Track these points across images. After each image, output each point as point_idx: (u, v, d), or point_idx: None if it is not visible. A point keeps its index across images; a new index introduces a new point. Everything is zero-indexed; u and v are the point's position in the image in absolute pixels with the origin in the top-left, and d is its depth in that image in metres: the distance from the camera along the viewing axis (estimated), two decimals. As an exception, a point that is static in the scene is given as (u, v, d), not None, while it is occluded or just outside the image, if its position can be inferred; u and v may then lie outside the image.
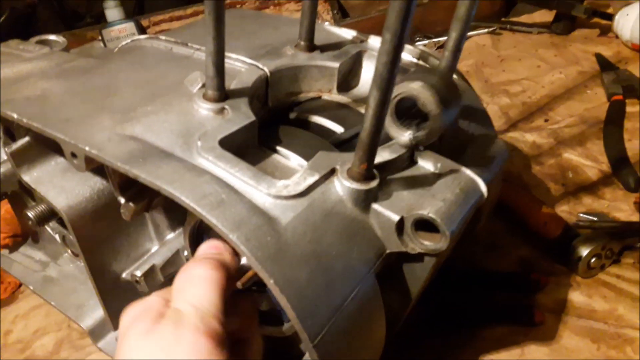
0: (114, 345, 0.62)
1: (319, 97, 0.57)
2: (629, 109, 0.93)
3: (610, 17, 1.16)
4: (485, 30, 1.25)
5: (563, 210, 0.74)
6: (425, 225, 0.41)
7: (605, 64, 1.06)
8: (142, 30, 1.26)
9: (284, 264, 0.35)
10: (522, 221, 0.70)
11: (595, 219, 0.70)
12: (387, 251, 0.42)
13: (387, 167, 0.44)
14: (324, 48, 0.58)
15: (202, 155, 0.41)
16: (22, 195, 0.69)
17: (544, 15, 1.29)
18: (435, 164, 0.45)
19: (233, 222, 0.35)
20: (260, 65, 0.53)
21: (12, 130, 0.62)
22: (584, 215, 0.71)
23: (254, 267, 0.35)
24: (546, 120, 0.94)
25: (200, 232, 0.50)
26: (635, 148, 0.83)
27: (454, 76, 0.56)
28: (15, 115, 0.45)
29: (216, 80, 0.45)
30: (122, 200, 0.47)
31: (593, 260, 0.63)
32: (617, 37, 1.15)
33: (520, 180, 0.80)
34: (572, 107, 0.96)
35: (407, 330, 0.52)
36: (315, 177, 0.41)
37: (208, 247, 0.41)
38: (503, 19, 1.35)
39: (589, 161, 0.82)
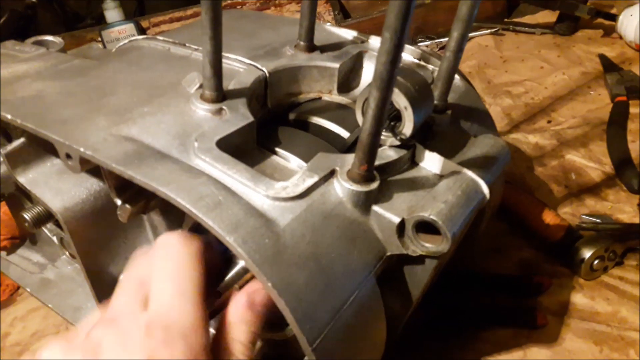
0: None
1: (319, 98, 0.57)
2: (632, 110, 0.92)
3: (614, 17, 1.15)
4: (488, 31, 1.24)
5: (566, 212, 0.73)
6: (426, 228, 0.40)
7: (608, 65, 1.05)
8: (142, 31, 1.26)
9: (282, 266, 0.35)
10: (524, 223, 0.70)
11: (598, 220, 0.69)
12: (388, 253, 0.41)
13: (388, 169, 0.43)
14: (324, 48, 0.57)
15: (199, 156, 0.40)
16: (19, 196, 0.69)
17: (547, 16, 1.28)
18: (436, 166, 0.45)
19: (230, 224, 0.35)
20: (259, 66, 0.52)
21: (8, 132, 0.61)
22: (587, 217, 0.70)
23: (252, 269, 0.34)
24: (549, 122, 0.93)
25: (199, 232, 0.49)
26: (639, 149, 0.82)
27: (456, 76, 0.56)
28: (9, 116, 0.45)
29: (213, 81, 0.45)
30: (119, 202, 0.46)
31: (596, 262, 0.62)
32: (620, 37, 1.14)
33: (523, 181, 0.80)
34: (575, 108, 0.96)
35: (409, 333, 0.52)
36: (314, 179, 0.40)
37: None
38: (506, 19, 1.35)
39: (592, 163, 0.81)
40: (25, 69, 0.54)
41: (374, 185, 0.40)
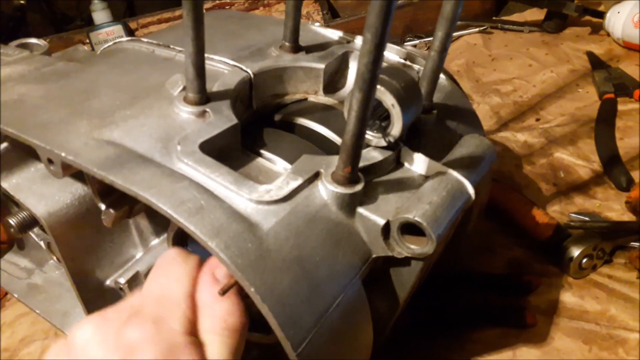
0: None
1: (305, 99, 0.56)
2: (620, 107, 0.93)
3: (601, 15, 1.16)
4: (476, 29, 1.24)
5: (554, 210, 0.73)
6: (411, 229, 0.40)
7: (596, 62, 1.05)
8: (130, 32, 1.25)
9: (265, 271, 0.34)
10: (513, 222, 0.70)
11: (586, 218, 0.69)
12: (374, 256, 0.41)
13: (373, 170, 0.43)
14: (309, 49, 0.57)
15: (182, 160, 0.40)
16: (5, 202, 0.68)
17: (535, 14, 1.28)
18: (421, 166, 0.44)
19: (212, 229, 0.34)
20: (244, 67, 0.52)
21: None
22: (576, 215, 0.70)
23: (234, 274, 0.34)
24: (537, 120, 0.93)
25: (184, 237, 0.49)
26: (627, 147, 0.83)
27: (442, 76, 0.56)
28: (-10, 121, 0.44)
29: (196, 83, 0.44)
30: (103, 207, 0.46)
31: (584, 260, 0.62)
32: (608, 35, 1.15)
33: (512, 180, 0.80)
34: (564, 106, 0.96)
35: (397, 334, 0.51)
36: (298, 181, 0.40)
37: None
38: (494, 17, 1.35)
39: (581, 160, 0.82)
40: (8, 72, 0.53)
41: (359, 187, 0.40)
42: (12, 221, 0.56)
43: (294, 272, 0.36)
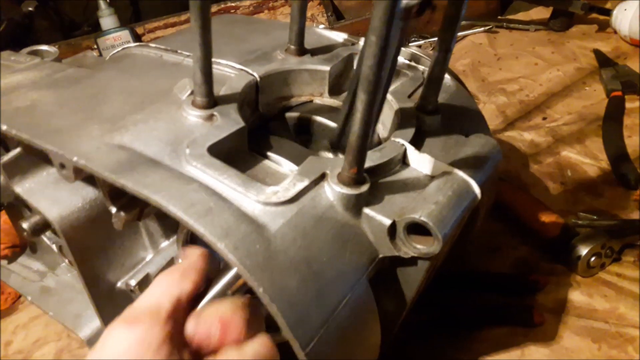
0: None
1: (311, 101, 0.57)
2: (628, 105, 0.92)
3: (608, 12, 1.15)
4: (482, 28, 1.24)
5: (562, 209, 0.73)
6: (418, 229, 0.40)
7: (603, 60, 1.05)
8: (137, 37, 1.26)
9: (273, 271, 0.35)
10: (520, 221, 0.70)
11: (594, 217, 0.69)
12: (380, 256, 0.41)
13: (378, 171, 0.44)
14: (314, 52, 0.57)
15: (191, 163, 0.41)
16: (18, 206, 0.69)
17: (541, 12, 1.28)
18: (427, 167, 0.45)
19: (221, 230, 0.35)
20: (250, 71, 0.53)
21: (6, 142, 0.62)
22: (583, 214, 0.70)
23: (243, 275, 0.34)
24: (544, 119, 0.93)
25: (193, 239, 0.50)
26: (635, 145, 0.82)
27: (447, 76, 0.56)
28: (4, 127, 0.45)
29: (204, 87, 0.45)
30: (114, 210, 0.46)
31: (593, 259, 0.62)
32: (615, 32, 1.14)
33: (519, 179, 0.80)
34: (571, 104, 0.96)
35: (405, 334, 0.52)
36: (304, 183, 0.40)
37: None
38: (499, 17, 1.35)
39: (588, 159, 0.82)
40: (20, 79, 0.54)
41: (364, 187, 0.40)
42: (25, 225, 0.57)
43: (302, 272, 0.36)
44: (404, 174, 0.45)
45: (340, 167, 0.41)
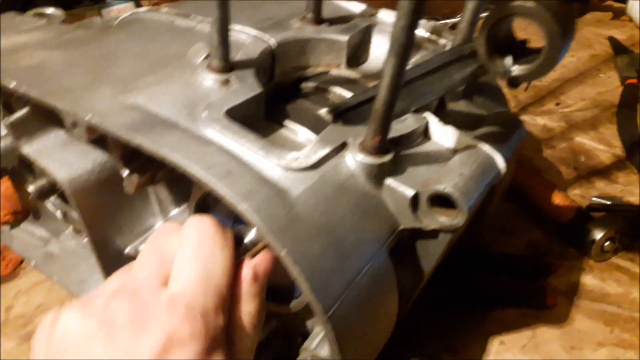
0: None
1: (327, 72, 0.55)
2: (642, 92, 0.91)
3: (623, 0, 1.14)
4: (496, 12, 1.22)
5: (575, 193, 0.72)
6: (440, 201, 0.39)
7: (618, 47, 1.04)
8: (143, 9, 1.23)
9: (296, 235, 0.34)
10: (533, 204, 0.69)
11: (608, 202, 0.68)
12: (400, 227, 0.40)
13: (401, 142, 0.42)
14: (332, 21, 0.56)
15: (208, 126, 0.39)
16: (21, 171, 0.68)
17: (555, -2, 1.26)
18: (450, 140, 0.44)
19: (242, 192, 0.34)
20: (266, 37, 0.51)
21: (10, 104, 0.60)
22: (597, 199, 0.69)
23: (266, 238, 0.33)
24: (557, 104, 0.92)
25: (205, 207, 0.49)
26: (650, 132, 0.81)
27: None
28: (13, 84, 0.44)
29: (221, 50, 0.43)
30: (125, 173, 0.45)
31: (607, 243, 0.61)
32: (630, 20, 1.12)
33: (531, 163, 0.79)
34: (585, 90, 0.94)
35: (417, 312, 0.51)
36: (326, 150, 0.39)
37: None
38: (513, 1, 1.32)
39: (602, 145, 0.81)
40: (27, 39, 0.52)
41: (388, 157, 0.39)
42: (31, 188, 0.56)
43: (323, 238, 0.35)
44: (427, 147, 0.44)
45: (362, 136, 0.40)
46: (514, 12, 0.33)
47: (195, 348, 0.29)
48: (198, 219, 0.35)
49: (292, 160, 0.38)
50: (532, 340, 0.55)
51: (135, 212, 0.53)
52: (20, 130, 0.50)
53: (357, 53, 0.56)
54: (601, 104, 0.90)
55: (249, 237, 0.40)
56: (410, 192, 0.39)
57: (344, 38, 0.54)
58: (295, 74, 0.55)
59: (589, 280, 0.61)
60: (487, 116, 0.48)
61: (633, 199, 0.71)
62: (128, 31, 0.56)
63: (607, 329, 0.55)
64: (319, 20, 0.55)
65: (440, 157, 0.43)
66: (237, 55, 0.47)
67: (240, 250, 0.39)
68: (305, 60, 0.55)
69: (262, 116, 0.46)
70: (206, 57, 0.46)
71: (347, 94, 0.51)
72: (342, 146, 0.40)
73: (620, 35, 1.09)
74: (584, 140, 0.82)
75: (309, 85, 0.53)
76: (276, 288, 0.46)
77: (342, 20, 0.57)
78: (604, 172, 0.76)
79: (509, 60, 0.35)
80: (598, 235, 0.61)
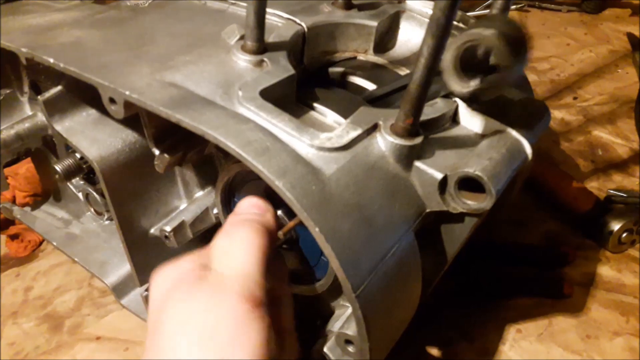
0: (137, 302, 0.62)
1: (355, 57, 0.56)
2: (661, 88, 0.91)
3: (643, -4, 1.13)
4: (514, 7, 1.22)
5: (592, 186, 0.73)
6: (467, 186, 0.40)
7: (637, 44, 1.03)
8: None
9: (328, 213, 0.35)
10: (551, 195, 0.69)
11: (625, 195, 0.68)
12: (427, 210, 0.41)
13: (430, 126, 0.43)
14: (361, 7, 0.56)
15: (244, 104, 0.40)
16: (45, 152, 0.69)
17: (574, -7, 1.26)
18: (478, 125, 0.44)
19: (278, 169, 0.35)
20: (298, 21, 0.51)
21: (38, 85, 0.61)
22: (614, 192, 0.69)
23: (299, 214, 0.34)
24: (575, 98, 0.92)
25: (232, 190, 0.49)
26: (667, 128, 0.82)
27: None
28: (51, 60, 0.44)
29: (256, 31, 0.44)
30: (157, 152, 0.46)
31: (624, 235, 0.62)
32: (649, 16, 1.12)
33: (549, 156, 0.79)
34: (602, 85, 0.94)
35: (436, 300, 0.52)
36: (358, 132, 0.40)
37: (250, 205, 0.39)
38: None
39: (620, 139, 0.81)
40: (61, 17, 0.53)
41: (418, 140, 0.40)
42: (59, 167, 0.57)
43: (354, 217, 0.36)
44: (455, 131, 0.44)
45: (393, 118, 0.40)
46: (473, 39, 0.37)
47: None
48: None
49: (325, 140, 0.39)
50: (549, 329, 0.56)
51: (162, 193, 0.54)
52: (53, 108, 0.51)
53: (385, 39, 0.57)
54: (619, 99, 0.90)
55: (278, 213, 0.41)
56: (439, 175, 0.40)
57: (374, 23, 0.54)
58: (323, 58, 0.55)
59: (605, 271, 0.61)
60: (515, 102, 0.48)
61: (650, 193, 0.71)
62: (161, 12, 0.57)
63: (623, 319, 0.56)
64: (348, 5, 0.56)
65: (468, 142, 0.43)
66: (270, 38, 0.48)
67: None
68: (334, 44, 0.55)
69: (293, 98, 0.47)
70: (240, 39, 0.46)
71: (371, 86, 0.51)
72: (374, 128, 0.41)
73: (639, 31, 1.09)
74: (601, 134, 0.82)
75: (337, 69, 0.53)
76: (298, 270, 0.47)
77: (371, 6, 0.57)
78: (621, 165, 0.76)
79: (473, 83, 0.39)
80: (616, 226, 0.62)
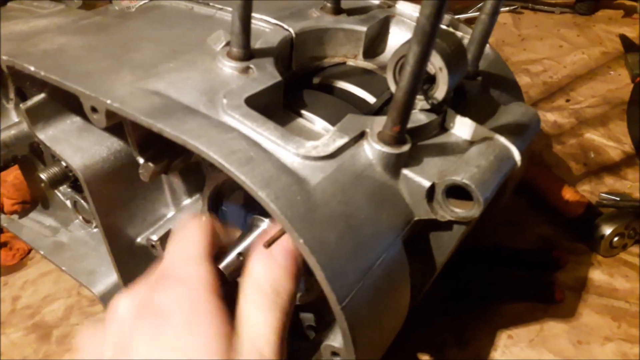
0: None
1: (344, 63, 0.55)
2: (653, 90, 0.91)
3: (635, -3, 1.13)
4: (507, 8, 1.22)
5: (584, 189, 0.73)
6: (455, 193, 0.39)
7: (629, 45, 1.03)
8: None
9: (313, 224, 0.34)
10: (543, 199, 0.69)
11: (617, 198, 0.68)
12: (416, 218, 0.41)
13: (418, 133, 0.42)
14: (350, 12, 0.56)
15: (228, 113, 0.39)
16: (32, 159, 0.68)
17: (567, -5, 1.26)
18: (467, 131, 0.44)
19: (262, 180, 0.34)
20: (286, 26, 0.51)
21: (23, 91, 0.60)
22: (606, 195, 0.69)
23: (284, 226, 0.33)
24: (567, 100, 0.92)
25: (220, 197, 0.49)
26: (659, 130, 0.81)
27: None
28: (32, 68, 0.44)
29: (242, 37, 0.43)
30: (141, 160, 0.45)
31: (616, 239, 0.62)
32: (641, 18, 1.12)
33: (541, 159, 0.79)
34: (595, 87, 0.94)
35: (428, 304, 0.51)
36: (344, 139, 0.39)
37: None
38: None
39: (612, 142, 0.81)
40: (45, 23, 0.53)
41: (405, 147, 0.39)
42: (44, 176, 0.56)
43: (341, 227, 0.35)
44: (443, 138, 0.44)
45: (380, 126, 0.40)
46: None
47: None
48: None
49: (311, 148, 0.38)
50: (540, 335, 0.56)
51: (148, 201, 0.53)
52: (36, 116, 0.50)
53: (374, 44, 0.56)
54: (611, 101, 0.90)
55: (262, 227, 0.40)
56: (426, 183, 0.39)
57: (363, 28, 0.54)
58: (312, 64, 0.55)
59: (596, 275, 0.61)
60: (504, 108, 0.48)
61: (642, 196, 0.71)
62: (147, 17, 0.56)
63: (615, 324, 0.56)
64: (337, 10, 0.55)
65: (456, 149, 0.43)
66: (256, 44, 0.47)
67: (253, 240, 0.39)
68: (322, 50, 0.55)
69: (280, 105, 0.46)
70: (226, 45, 0.46)
71: (362, 92, 0.51)
72: (361, 135, 0.40)
73: (631, 33, 1.09)
74: (593, 136, 0.82)
75: (326, 75, 0.53)
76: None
77: (361, 10, 0.57)
78: (613, 168, 0.76)
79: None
80: (607, 230, 0.61)
